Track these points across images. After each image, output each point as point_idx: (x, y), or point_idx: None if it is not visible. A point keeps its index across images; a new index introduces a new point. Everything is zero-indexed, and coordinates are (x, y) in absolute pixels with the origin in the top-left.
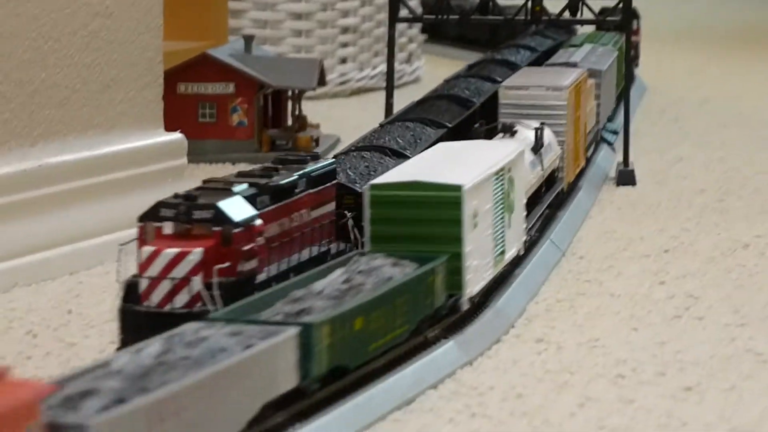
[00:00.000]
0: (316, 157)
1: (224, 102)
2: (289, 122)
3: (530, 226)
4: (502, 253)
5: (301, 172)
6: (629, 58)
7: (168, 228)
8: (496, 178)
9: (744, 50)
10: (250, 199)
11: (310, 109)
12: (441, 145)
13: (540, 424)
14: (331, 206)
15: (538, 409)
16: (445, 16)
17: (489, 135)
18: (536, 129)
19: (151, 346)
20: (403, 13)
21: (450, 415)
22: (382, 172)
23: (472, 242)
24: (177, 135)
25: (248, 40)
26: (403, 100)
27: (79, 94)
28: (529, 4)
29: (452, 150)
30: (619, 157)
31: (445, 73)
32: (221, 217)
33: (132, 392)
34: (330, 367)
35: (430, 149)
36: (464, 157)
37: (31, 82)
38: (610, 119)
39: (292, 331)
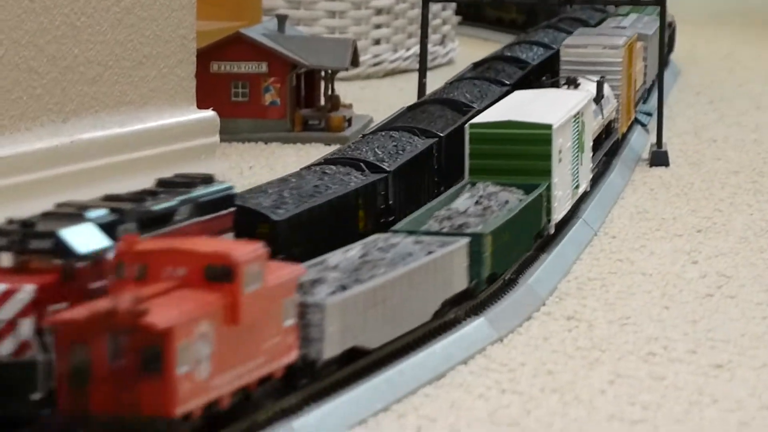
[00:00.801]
0: (209, 181)
1: (257, 81)
2: (322, 102)
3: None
4: (577, 187)
5: (184, 197)
6: (664, 35)
7: (5, 259)
8: (574, 120)
9: None
10: (108, 227)
11: (343, 89)
12: (518, 93)
13: (571, 401)
14: (227, 237)
15: (569, 386)
16: None
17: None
18: (598, 82)
19: (354, 250)
20: None
21: (480, 391)
22: (335, 193)
23: (558, 175)
24: (209, 113)
25: (281, 19)
26: (436, 81)
27: (112, 70)
28: None
29: (532, 96)
30: (653, 138)
31: (480, 56)
32: (63, 248)
33: (350, 282)
34: (491, 272)
35: (509, 96)
36: (545, 101)
37: (64, 57)
38: (645, 101)
39: (464, 240)
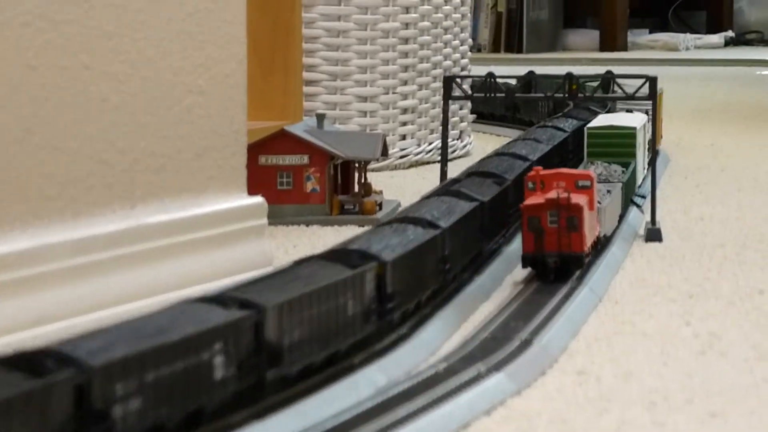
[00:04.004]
0: None
1: (300, 171)
2: (356, 189)
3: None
4: (644, 169)
5: None
6: (656, 128)
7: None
8: (642, 129)
9: (757, 126)
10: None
11: (374, 178)
12: (603, 115)
13: None
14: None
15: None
16: (492, 94)
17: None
18: (646, 111)
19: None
20: (456, 93)
21: None
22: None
23: (638, 158)
24: (259, 198)
25: (320, 117)
26: (456, 170)
27: (174, 161)
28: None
29: (614, 116)
30: (647, 217)
31: (492, 148)
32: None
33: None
34: (624, 208)
35: (601, 115)
36: (624, 118)
37: (132, 150)
38: (639, 186)
39: (620, 185)
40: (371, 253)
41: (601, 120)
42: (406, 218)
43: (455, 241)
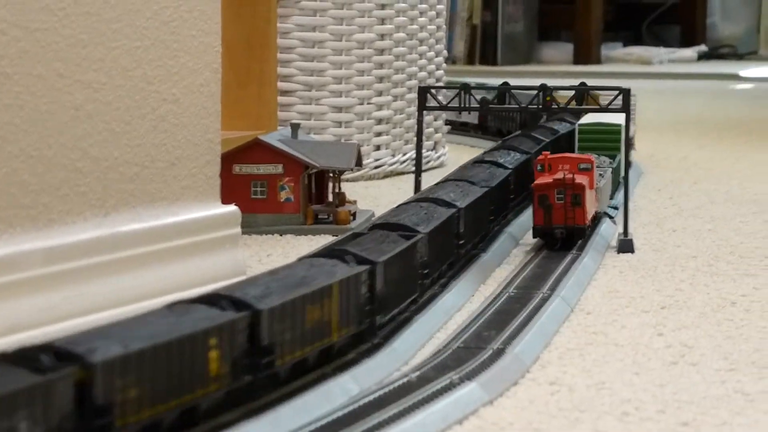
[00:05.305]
0: None
1: (274, 181)
2: (330, 199)
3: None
4: (626, 162)
5: None
6: (628, 138)
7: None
8: (624, 126)
9: (730, 139)
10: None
11: (348, 188)
12: (590, 114)
13: None
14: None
15: None
16: (467, 106)
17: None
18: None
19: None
20: (431, 104)
21: None
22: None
23: (623, 152)
24: (232, 207)
25: (295, 127)
26: (430, 181)
27: (148, 170)
28: (541, 95)
29: (601, 116)
30: (620, 229)
31: (466, 159)
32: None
33: (598, 177)
34: (617, 183)
35: (587, 115)
36: (609, 118)
37: (105, 159)
38: (611, 197)
39: (610, 169)
40: (74, 352)
41: (589, 118)
42: (216, 295)
43: (281, 325)
